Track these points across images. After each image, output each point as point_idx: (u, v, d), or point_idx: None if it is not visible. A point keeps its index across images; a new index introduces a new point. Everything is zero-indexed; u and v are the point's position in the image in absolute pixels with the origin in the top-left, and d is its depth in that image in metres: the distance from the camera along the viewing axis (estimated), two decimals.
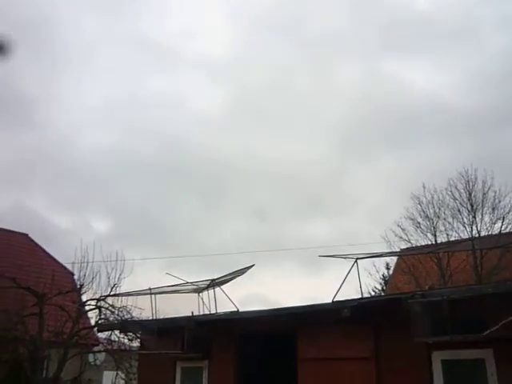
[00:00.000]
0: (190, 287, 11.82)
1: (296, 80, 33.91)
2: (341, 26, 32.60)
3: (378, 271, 25.18)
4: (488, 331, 7.42)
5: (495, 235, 19.67)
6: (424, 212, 22.45)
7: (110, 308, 12.63)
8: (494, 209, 21.28)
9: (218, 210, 34.49)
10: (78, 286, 14.02)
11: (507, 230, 20.76)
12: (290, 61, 32.88)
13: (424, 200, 22.59)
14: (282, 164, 32.00)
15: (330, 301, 8.99)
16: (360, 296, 9.28)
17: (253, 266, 11.44)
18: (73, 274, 15.75)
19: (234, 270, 11.63)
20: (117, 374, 13.14)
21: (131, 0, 30.83)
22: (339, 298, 9.02)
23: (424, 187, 22.61)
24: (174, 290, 11.84)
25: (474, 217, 21.47)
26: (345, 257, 9.45)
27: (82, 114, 31.77)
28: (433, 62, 32.23)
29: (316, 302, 9.61)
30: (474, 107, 28.57)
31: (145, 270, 12.74)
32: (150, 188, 31.53)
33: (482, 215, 21.46)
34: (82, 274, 13.70)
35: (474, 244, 16.51)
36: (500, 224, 20.72)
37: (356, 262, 9.23)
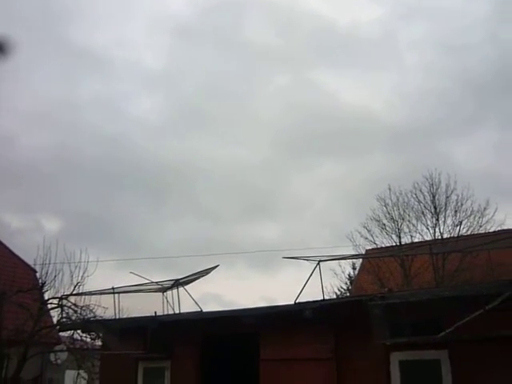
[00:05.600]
0: (154, 287, 11.75)
1: (232, 85, 35.18)
2: (270, 37, 34.00)
3: (343, 271, 25.56)
4: (443, 333, 7.65)
5: (457, 237, 20.23)
6: (389, 214, 22.88)
7: (73, 307, 12.44)
8: (456, 212, 21.86)
9: (168, 212, 34.99)
10: (40, 284, 13.75)
11: (469, 232, 21.35)
12: (225, 67, 34.00)
13: (389, 202, 23.04)
14: (226, 167, 32.97)
15: (292, 302, 9.09)
16: (321, 298, 9.39)
17: (217, 266, 11.47)
18: (35, 271, 15.42)
19: (193, 270, 11.67)
20: (78, 373, 12.97)
21: (64, 10, 30.75)
22: (301, 299, 9.13)
23: (390, 189, 23.05)
24: (138, 289, 11.75)
25: (437, 219, 22.00)
26: (308, 259, 9.57)
27: (19, 117, 31.25)
28: (359, 76, 33.91)
29: (271, 302, 9.74)
30: (400, 120, 30.27)
31: (98, 269, 12.71)
32: (97, 188, 31.62)
33: (444, 218, 22.02)
34: (43, 271, 13.45)
35: (436, 246, 16.89)
36: (460, 227, 21.31)
37: (319, 264, 9.35)
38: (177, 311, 11.36)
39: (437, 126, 30.38)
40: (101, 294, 12.12)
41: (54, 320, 13.93)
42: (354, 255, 18.29)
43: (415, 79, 33.22)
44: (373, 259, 21.94)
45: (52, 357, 17.41)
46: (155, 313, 10.94)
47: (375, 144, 31.16)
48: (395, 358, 8.58)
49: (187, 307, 11.23)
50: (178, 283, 11.39)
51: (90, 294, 12.29)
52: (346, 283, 26.04)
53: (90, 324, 11.66)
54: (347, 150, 32.64)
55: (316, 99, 33.97)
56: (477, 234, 19.95)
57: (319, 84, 32.99)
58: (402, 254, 19.26)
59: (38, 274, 14.52)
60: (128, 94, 36.27)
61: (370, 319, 8.16)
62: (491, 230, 20.39)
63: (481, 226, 21.33)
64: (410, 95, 32.49)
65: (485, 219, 21.35)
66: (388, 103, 33.09)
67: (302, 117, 32.82)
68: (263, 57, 34.74)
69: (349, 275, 26.15)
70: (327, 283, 23.65)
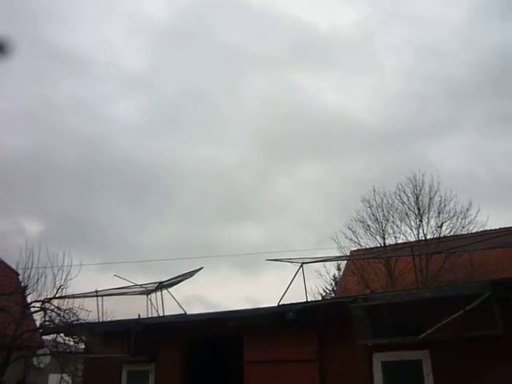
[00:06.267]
0: (137, 289, 11.71)
1: (212, 87, 35.52)
2: (249, 39, 34.29)
3: (328, 272, 25.69)
4: (424, 334, 7.75)
5: (438, 238, 20.48)
6: (374, 215, 23.09)
7: (56, 310, 12.37)
8: (439, 213, 22.11)
9: (150, 213, 34.98)
10: (23, 287, 13.65)
11: (452, 233, 21.61)
12: (205, 69, 34.36)
13: (374, 203, 23.23)
14: (207, 168, 33.22)
15: (276, 304, 9.13)
16: (305, 299, 9.46)
17: (201, 268, 11.47)
18: (17, 274, 15.29)
19: (176, 273, 11.69)
20: (62, 377, 12.89)
21: (42, 11, 30.50)
22: (285, 301, 9.17)
23: (374, 191, 23.25)
24: (122, 292, 11.70)
25: (421, 220, 22.25)
26: (291, 261, 9.62)
27: None
28: (339, 79, 34.39)
29: (255, 303, 9.82)
30: (381, 123, 30.77)
31: (81, 271, 12.70)
32: (78, 190, 31.47)
33: (428, 219, 22.27)
34: (26, 274, 13.37)
35: (419, 247, 17.07)
36: (444, 228, 21.61)
37: (302, 266, 9.41)
38: (161, 314, 11.32)
39: (417, 128, 30.89)
40: (84, 297, 12.06)
41: (37, 323, 13.84)
42: (337, 257, 18.43)
43: (394, 82, 33.74)
44: (357, 260, 22.09)
45: (35, 360, 17.25)
46: (139, 316, 10.91)
47: (357, 146, 31.61)
48: (377, 358, 8.65)
49: (171, 310, 11.22)
50: (161, 286, 11.37)
51: (73, 297, 12.24)
52: (331, 284, 26.17)
53: (74, 327, 11.60)
54: (329, 151, 33.04)
55: (296, 101, 34.35)
56: (459, 235, 20.21)
57: (299, 86, 33.34)
58: (384, 256, 19.45)
59: (20, 277, 14.42)
60: (108, 95, 36.21)
61: (353, 321, 8.23)
62: (473, 231, 20.68)
63: (463, 227, 21.64)
64: (389, 98, 33.03)
65: (467, 220, 21.67)
66: (368, 106, 33.53)
67: (283, 118, 33.18)
68: (243, 59, 35.06)
69: (334, 276, 26.30)
70: (312, 284, 23.82)
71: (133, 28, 35.78)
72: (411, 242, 20.55)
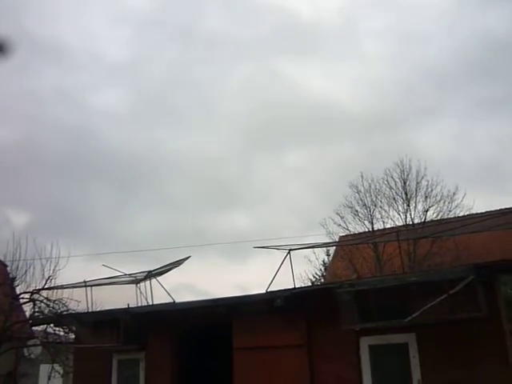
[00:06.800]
0: (126, 279, 11.73)
1: (196, 75, 35.38)
2: (232, 26, 34.17)
3: (317, 258, 25.82)
4: (410, 317, 7.87)
5: (423, 223, 20.71)
6: (362, 200, 23.20)
7: (45, 301, 12.33)
8: (426, 197, 22.28)
9: (137, 203, 34.94)
10: (11, 279, 13.59)
11: (439, 217, 21.81)
12: (188, 57, 34.13)
13: (362, 189, 23.35)
14: (193, 157, 33.17)
15: (264, 291, 9.20)
16: (293, 286, 9.54)
17: (189, 257, 11.51)
18: (5, 266, 15.22)
19: (165, 261, 11.70)
20: (52, 367, 12.89)
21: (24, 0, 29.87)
22: (274, 287, 9.25)
23: (362, 176, 23.35)
24: (111, 281, 11.71)
25: (408, 205, 22.40)
26: (278, 248, 9.68)
27: None
28: (323, 65, 34.36)
29: (244, 290, 9.88)
30: (365, 109, 30.86)
31: (70, 262, 12.65)
32: (65, 180, 31.33)
33: (415, 203, 22.43)
34: (14, 266, 13.30)
35: (407, 231, 17.24)
36: (430, 213, 21.81)
37: (289, 252, 9.47)
38: (150, 303, 11.37)
39: (402, 114, 31.08)
40: (73, 287, 12.03)
41: (27, 314, 13.80)
42: (324, 243, 18.57)
43: (378, 68, 33.69)
44: (346, 246, 22.25)
45: (26, 351, 17.25)
46: (128, 305, 10.95)
47: (343, 132, 31.71)
48: (365, 342, 8.79)
49: (160, 298, 11.26)
50: (150, 275, 11.40)
51: (62, 287, 12.20)
52: (321, 270, 26.32)
53: (63, 318, 11.59)
54: (314, 138, 33.10)
55: (281, 88, 34.35)
56: (445, 219, 20.40)
57: (283, 73, 33.21)
58: (371, 241, 19.61)
59: (8, 269, 14.35)
60: (91, 85, 35.68)
61: (340, 306, 8.33)
62: (460, 215, 20.89)
63: (450, 211, 21.83)
64: (374, 84, 33.02)
65: (454, 204, 21.86)
66: (352, 92, 33.54)
67: (268, 106, 33.12)
68: (226, 46, 34.82)
69: (323, 262, 26.45)
70: (302, 270, 23.97)
71: (117, 16, 35.36)
72: (399, 227, 20.72)
